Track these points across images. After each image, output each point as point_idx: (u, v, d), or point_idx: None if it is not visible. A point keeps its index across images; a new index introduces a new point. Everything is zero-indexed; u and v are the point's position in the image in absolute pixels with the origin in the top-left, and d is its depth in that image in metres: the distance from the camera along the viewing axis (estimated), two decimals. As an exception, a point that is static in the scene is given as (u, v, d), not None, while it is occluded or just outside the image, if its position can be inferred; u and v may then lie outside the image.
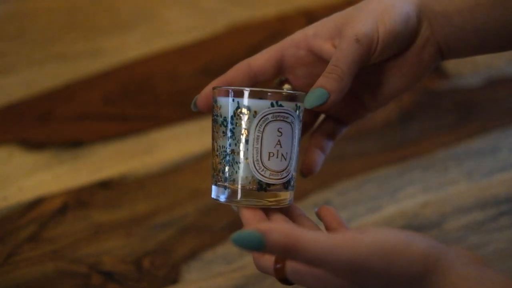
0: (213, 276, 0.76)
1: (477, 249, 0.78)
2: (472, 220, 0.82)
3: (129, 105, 1.00)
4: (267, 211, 0.56)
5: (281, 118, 0.55)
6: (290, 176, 0.57)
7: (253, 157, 0.55)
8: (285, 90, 0.62)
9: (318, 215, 0.59)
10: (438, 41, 0.58)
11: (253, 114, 0.55)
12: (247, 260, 0.77)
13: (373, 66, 0.60)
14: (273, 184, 0.56)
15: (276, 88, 0.63)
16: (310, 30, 0.59)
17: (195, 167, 0.90)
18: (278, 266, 0.50)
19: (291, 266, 0.49)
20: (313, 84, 0.60)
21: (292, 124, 0.55)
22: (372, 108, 0.63)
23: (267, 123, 0.55)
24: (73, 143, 0.93)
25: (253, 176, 0.56)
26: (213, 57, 1.05)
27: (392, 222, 0.82)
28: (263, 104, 0.55)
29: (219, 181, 0.57)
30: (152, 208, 0.84)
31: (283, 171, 0.56)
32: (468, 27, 0.56)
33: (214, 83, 0.60)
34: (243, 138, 0.56)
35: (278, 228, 0.46)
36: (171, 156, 0.92)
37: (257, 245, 0.46)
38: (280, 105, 0.55)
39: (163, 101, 1.01)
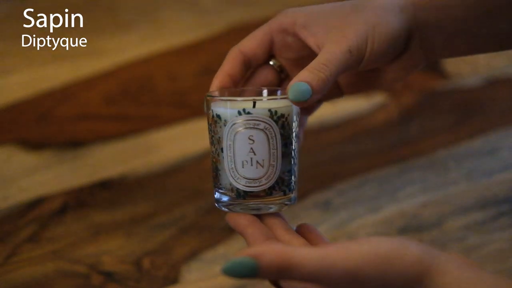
0: (213, 276, 0.76)
1: (477, 249, 0.78)
2: (472, 220, 0.82)
3: (129, 105, 1.00)
4: (262, 216, 0.56)
5: (251, 126, 0.54)
6: (272, 182, 0.55)
7: (228, 165, 0.55)
8: (272, 64, 0.62)
9: (297, 232, 0.58)
10: (426, 48, 0.58)
11: (223, 122, 0.55)
12: (247, 260, 0.77)
13: None
14: (251, 192, 0.55)
15: (262, 66, 0.62)
16: (300, 18, 0.58)
17: (195, 167, 0.90)
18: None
19: (285, 282, 0.50)
20: (301, 64, 0.59)
21: (266, 131, 0.54)
22: (347, 94, 0.63)
23: (236, 132, 0.54)
24: (73, 143, 0.93)
25: (231, 184, 0.56)
26: (213, 57, 1.05)
27: (392, 222, 0.82)
28: (231, 113, 0.54)
29: (214, 186, 0.58)
30: (152, 208, 0.84)
31: (261, 178, 0.55)
32: (459, 33, 0.56)
33: (217, 79, 0.60)
34: (219, 146, 0.56)
35: (269, 250, 0.45)
36: (171, 156, 0.92)
37: (251, 272, 0.45)
38: (248, 113, 0.54)
39: (163, 101, 1.01)
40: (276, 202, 0.56)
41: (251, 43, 0.60)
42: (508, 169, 0.89)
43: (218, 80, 0.60)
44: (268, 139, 0.54)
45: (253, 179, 0.55)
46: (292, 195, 0.58)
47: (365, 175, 0.89)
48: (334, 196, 0.86)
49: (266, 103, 0.55)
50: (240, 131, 0.54)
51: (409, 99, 1.01)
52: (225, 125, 0.54)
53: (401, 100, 1.00)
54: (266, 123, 0.54)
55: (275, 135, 0.54)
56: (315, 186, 0.87)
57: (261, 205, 0.56)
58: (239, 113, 0.54)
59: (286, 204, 0.57)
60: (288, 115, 0.55)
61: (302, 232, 0.56)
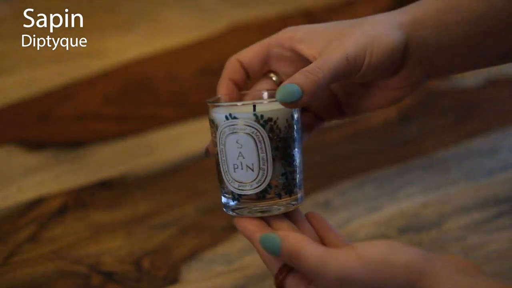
0: (213, 276, 0.76)
1: (477, 249, 0.78)
2: (472, 220, 0.82)
3: (129, 105, 1.00)
4: (270, 219, 0.57)
5: (238, 130, 0.54)
6: (264, 186, 0.55)
7: (223, 169, 0.56)
8: (274, 80, 0.62)
9: (307, 220, 0.59)
10: (426, 67, 0.58)
11: (216, 127, 0.55)
12: (247, 260, 0.77)
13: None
14: (245, 195, 0.56)
15: (262, 78, 0.63)
16: (298, 34, 0.59)
17: (195, 167, 0.90)
18: (280, 277, 0.52)
19: (289, 284, 0.51)
20: None
21: (253, 135, 0.54)
22: (348, 115, 0.64)
23: (226, 136, 0.55)
24: (73, 143, 0.93)
25: (227, 187, 0.56)
26: (213, 57, 1.05)
27: (392, 222, 0.82)
28: (220, 118, 0.55)
29: (220, 190, 0.58)
30: (152, 208, 0.84)
31: (252, 181, 0.55)
32: (460, 52, 0.56)
33: (222, 85, 0.60)
34: (216, 150, 0.57)
35: (292, 236, 0.49)
36: (171, 156, 0.92)
37: (275, 248, 0.50)
38: (234, 117, 0.54)
39: (163, 101, 1.01)
40: (274, 205, 0.56)
41: (248, 54, 0.61)
42: (508, 169, 0.89)
43: (222, 87, 0.60)
44: (256, 143, 0.54)
45: (245, 183, 0.55)
46: (299, 195, 0.58)
47: (365, 175, 0.89)
48: (334, 196, 0.86)
49: (251, 107, 0.55)
50: (228, 135, 0.55)
51: (409, 99, 1.01)
52: (217, 130, 0.55)
53: (401, 100, 1.00)
54: (252, 127, 0.54)
55: (263, 139, 0.54)
56: (315, 186, 0.87)
57: (266, 208, 0.56)
58: (226, 117, 0.54)
59: (292, 205, 0.57)
60: (277, 118, 0.55)
61: (310, 220, 0.57)
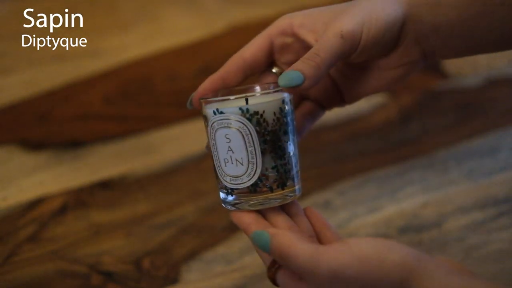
0: (213, 276, 0.76)
1: (477, 249, 0.78)
2: (472, 220, 0.82)
3: (129, 105, 1.00)
4: (267, 212, 0.57)
5: (225, 125, 0.55)
6: (254, 179, 0.56)
7: (216, 164, 0.57)
8: (275, 72, 0.62)
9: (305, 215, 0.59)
10: (423, 47, 0.59)
11: (207, 122, 0.56)
12: (247, 260, 0.77)
13: (356, 63, 0.61)
14: (236, 189, 0.56)
15: (264, 73, 0.63)
16: (297, 19, 0.59)
17: (195, 167, 0.90)
18: (273, 269, 0.53)
19: (281, 276, 0.52)
20: None
21: (240, 130, 0.54)
22: (349, 100, 0.64)
23: (215, 131, 0.55)
24: (73, 143, 0.93)
25: (221, 182, 0.57)
26: (213, 57, 1.05)
27: (392, 222, 0.82)
28: (209, 113, 0.55)
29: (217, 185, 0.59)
30: (152, 208, 0.84)
31: (242, 175, 0.56)
32: (455, 35, 0.57)
33: (209, 79, 0.60)
34: (209, 145, 0.58)
35: (281, 234, 0.50)
36: (171, 156, 0.92)
37: (265, 246, 0.50)
38: (221, 112, 0.55)
39: (163, 101, 1.01)
40: (268, 197, 0.57)
41: (251, 49, 0.61)
42: (508, 169, 0.89)
43: (208, 82, 0.60)
44: (243, 137, 0.55)
45: (235, 177, 0.56)
46: (296, 187, 0.58)
47: (365, 175, 0.89)
48: (334, 196, 0.86)
49: (236, 101, 0.55)
50: (218, 130, 0.55)
51: (409, 99, 1.01)
52: (208, 125, 0.56)
53: (401, 100, 1.00)
54: (238, 121, 0.54)
55: (250, 133, 0.55)
56: (315, 186, 0.87)
57: (262, 201, 0.56)
58: (214, 113, 0.55)
59: (289, 197, 0.57)
60: (264, 112, 0.55)
61: (308, 215, 0.58)
